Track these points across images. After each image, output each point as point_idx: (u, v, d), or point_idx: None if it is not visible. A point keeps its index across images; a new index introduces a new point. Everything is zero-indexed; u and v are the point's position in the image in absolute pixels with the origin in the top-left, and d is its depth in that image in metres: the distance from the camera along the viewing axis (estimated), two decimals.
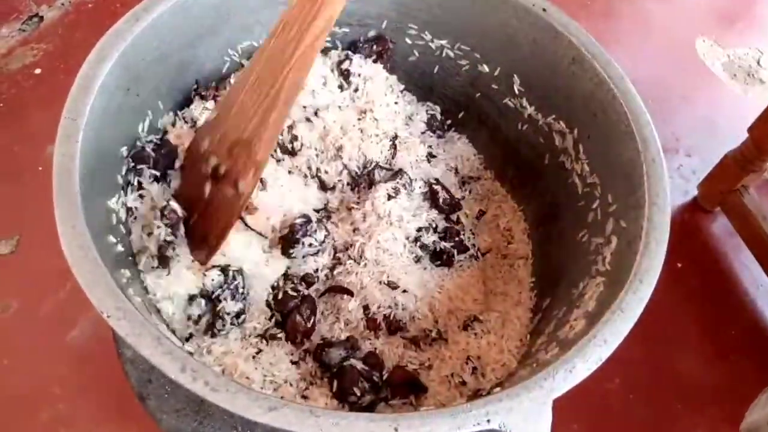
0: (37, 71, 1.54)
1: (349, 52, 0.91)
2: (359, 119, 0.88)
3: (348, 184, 0.87)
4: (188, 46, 0.79)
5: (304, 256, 0.80)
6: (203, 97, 0.84)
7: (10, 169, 1.33)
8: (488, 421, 0.52)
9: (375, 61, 0.92)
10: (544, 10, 0.81)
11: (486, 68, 0.91)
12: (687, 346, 1.18)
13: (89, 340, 1.14)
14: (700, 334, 1.19)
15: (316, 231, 0.79)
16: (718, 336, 1.19)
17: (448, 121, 0.99)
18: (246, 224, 0.78)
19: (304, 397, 0.73)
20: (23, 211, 1.24)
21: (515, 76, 0.88)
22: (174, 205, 0.73)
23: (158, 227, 0.72)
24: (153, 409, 0.76)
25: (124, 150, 0.74)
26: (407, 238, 0.83)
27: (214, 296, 0.74)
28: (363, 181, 0.87)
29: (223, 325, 0.74)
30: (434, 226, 0.86)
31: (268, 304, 0.78)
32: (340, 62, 0.90)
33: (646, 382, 1.12)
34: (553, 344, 0.66)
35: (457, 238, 0.86)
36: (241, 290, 0.75)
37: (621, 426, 1.08)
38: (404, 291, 0.80)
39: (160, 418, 0.76)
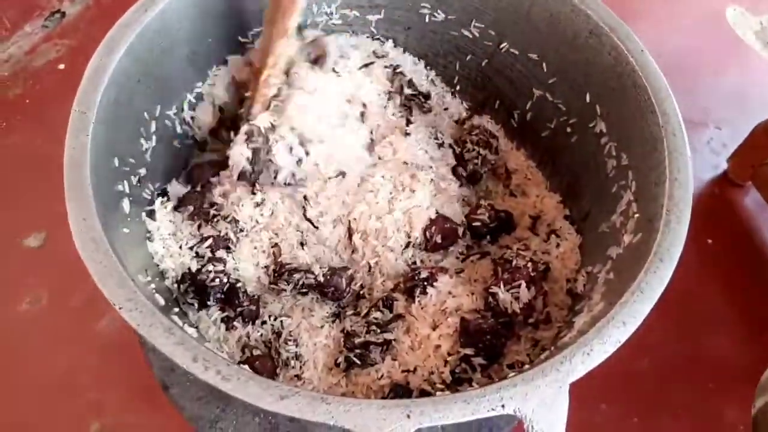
0: (61, 66, 1.56)
1: None
2: None
3: None
4: (198, 34, 0.79)
5: None
6: None
7: (37, 164, 1.35)
8: (503, 406, 0.51)
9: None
10: None
11: (501, 46, 0.88)
12: (719, 325, 1.14)
13: (118, 330, 1.16)
14: (733, 312, 1.16)
15: None
16: (752, 313, 1.15)
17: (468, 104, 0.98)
18: None
19: None
20: (50, 205, 1.25)
21: (532, 52, 0.86)
22: None
23: None
24: (176, 397, 0.77)
25: (142, 141, 0.74)
26: None
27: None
28: None
29: None
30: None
31: None
32: None
33: (676, 361, 1.09)
34: (572, 326, 0.65)
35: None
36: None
37: (651, 406, 1.05)
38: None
39: (182, 406, 0.77)
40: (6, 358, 1.14)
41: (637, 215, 0.68)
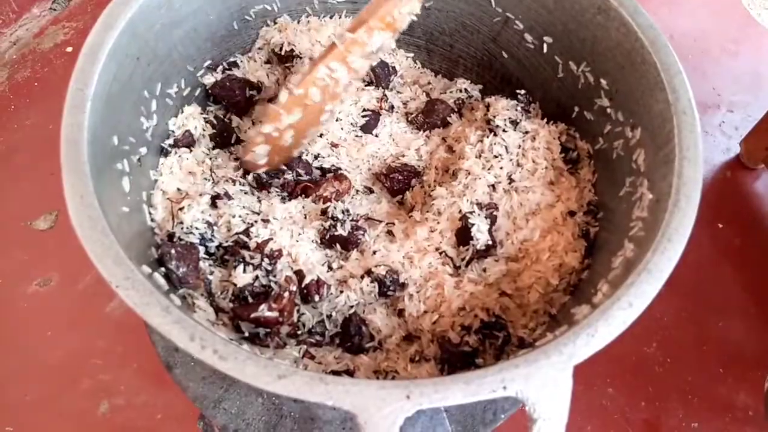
0: (69, 49, 1.56)
1: None
2: None
3: None
4: (199, 12, 0.78)
5: None
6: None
7: (46, 147, 1.35)
8: (504, 388, 0.50)
9: None
10: None
11: (507, 22, 0.87)
12: (729, 310, 1.13)
13: (127, 312, 1.16)
14: (744, 298, 1.14)
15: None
16: (763, 299, 1.14)
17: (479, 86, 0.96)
18: None
19: None
20: (60, 187, 1.26)
21: (539, 29, 0.84)
22: None
23: None
24: (180, 378, 0.77)
25: (142, 119, 0.73)
26: None
27: None
28: None
29: None
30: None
31: None
32: None
33: (685, 346, 1.08)
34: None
35: None
36: None
37: (659, 391, 1.04)
38: None
39: (186, 386, 0.77)
40: (15, 339, 1.15)
41: (646, 195, 0.67)
